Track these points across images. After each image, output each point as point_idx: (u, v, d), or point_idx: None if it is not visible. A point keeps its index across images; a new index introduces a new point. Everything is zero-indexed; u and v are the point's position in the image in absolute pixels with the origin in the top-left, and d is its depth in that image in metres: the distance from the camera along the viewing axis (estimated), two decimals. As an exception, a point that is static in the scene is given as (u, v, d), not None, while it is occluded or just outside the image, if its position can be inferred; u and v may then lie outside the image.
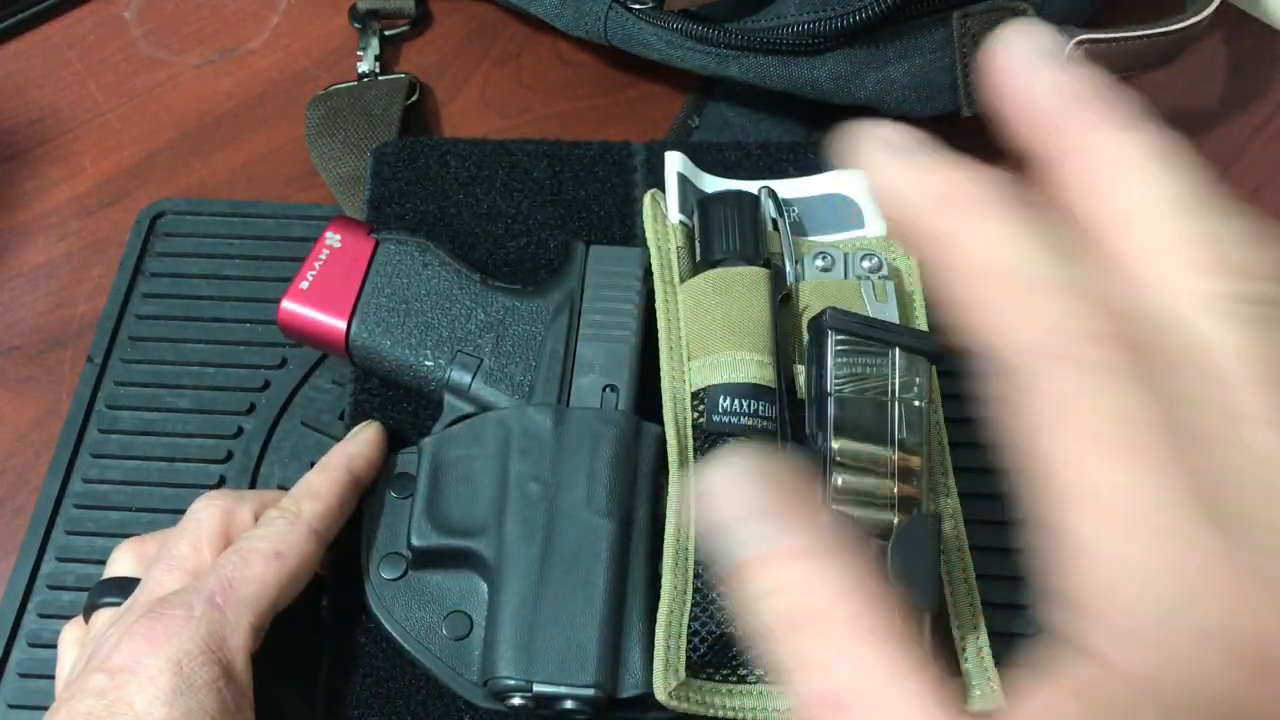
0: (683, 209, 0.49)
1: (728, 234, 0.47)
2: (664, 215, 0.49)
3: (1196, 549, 0.19)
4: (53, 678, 0.45)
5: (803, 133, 0.60)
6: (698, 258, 0.48)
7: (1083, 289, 0.20)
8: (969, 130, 0.57)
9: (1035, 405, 0.20)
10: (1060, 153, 0.21)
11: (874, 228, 0.50)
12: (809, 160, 0.54)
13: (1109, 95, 0.21)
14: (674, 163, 0.50)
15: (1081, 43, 0.52)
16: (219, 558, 0.40)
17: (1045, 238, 0.20)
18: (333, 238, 0.48)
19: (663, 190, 0.50)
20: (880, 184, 0.22)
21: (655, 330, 0.46)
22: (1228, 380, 0.19)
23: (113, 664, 0.36)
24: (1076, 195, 0.21)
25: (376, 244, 0.48)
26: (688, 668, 0.40)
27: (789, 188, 0.51)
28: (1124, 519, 0.19)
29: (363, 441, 0.45)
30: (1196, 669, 0.19)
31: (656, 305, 0.47)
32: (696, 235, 0.49)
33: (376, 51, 0.63)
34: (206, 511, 0.42)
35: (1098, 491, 0.19)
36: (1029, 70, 0.22)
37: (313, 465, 0.46)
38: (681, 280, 0.48)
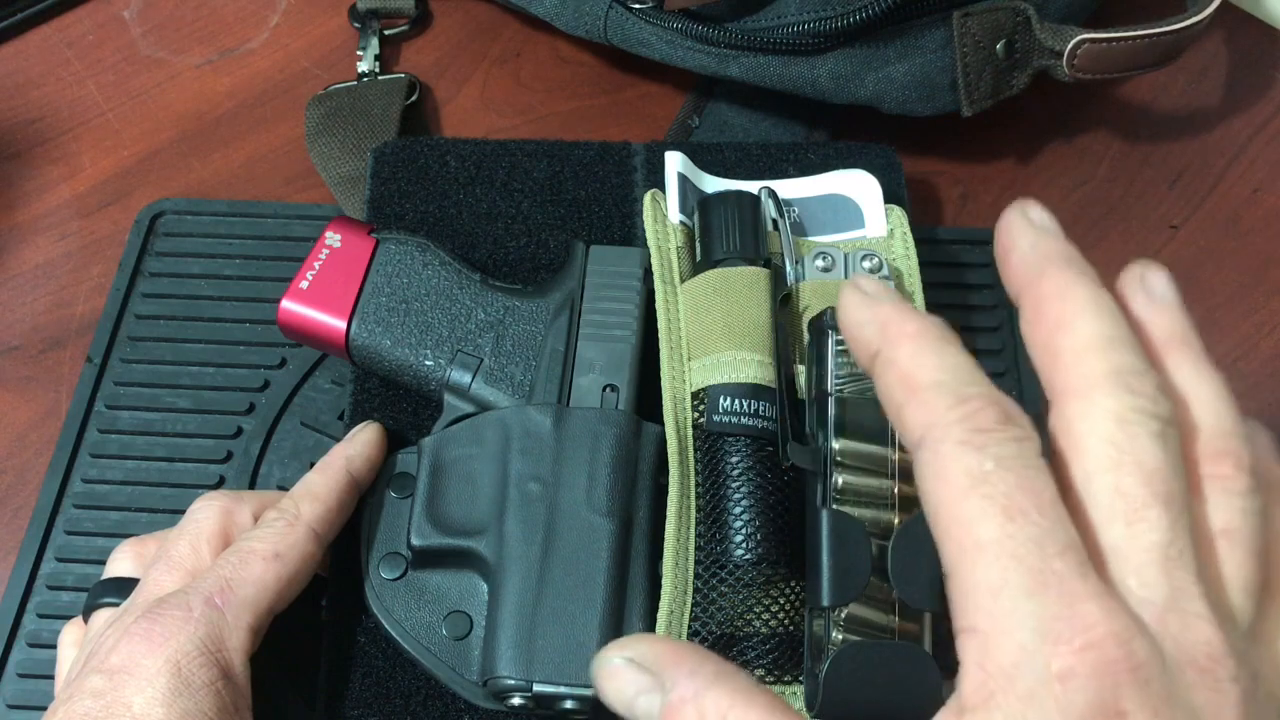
0: (683, 209, 0.49)
1: (728, 234, 0.47)
2: (664, 215, 0.49)
3: (1053, 579, 0.25)
4: (52, 678, 0.45)
5: (803, 133, 0.60)
6: (698, 258, 0.48)
7: (974, 394, 0.27)
8: (969, 130, 0.57)
9: (934, 477, 0.27)
10: (1025, 298, 0.29)
11: (874, 228, 0.50)
12: (809, 160, 0.54)
13: (1066, 258, 0.29)
14: (674, 163, 0.50)
15: (1081, 43, 0.52)
16: (218, 559, 0.40)
17: (950, 360, 0.28)
18: (332, 237, 0.48)
19: (663, 190, 0.50)
20: (847, 320, 0.30)
21: (655, 330, 0.46)
22: (1097, 477, 0.26)
23: (110, 665, 0.36)
24: (1029, 329, 0.29)
25: (376, 244, 0.48)
26: None
27: (789, 188, 0.51)
28: (997, 560, 0.25)
29: (362, 443, 0.45)
30: (1049, 676, 0.24)
31: (657, 305, 0.47)
32: (697, 235, 0.49)
33: (376, 51, 0.62)
34: (205, 512, 0.42)
35: (975, 540, 0.26)
36: (1016, 234, 0.30)
37: (313, 465, 0.46)
38: (682, 280, 0.48)
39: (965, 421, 0.27)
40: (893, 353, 0.29)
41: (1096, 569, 0.25)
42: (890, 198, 0.51)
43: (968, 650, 0.25)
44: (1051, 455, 0.28)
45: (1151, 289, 0.31)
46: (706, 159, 0.53)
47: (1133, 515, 0.26)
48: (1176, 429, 0.27)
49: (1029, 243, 0.30)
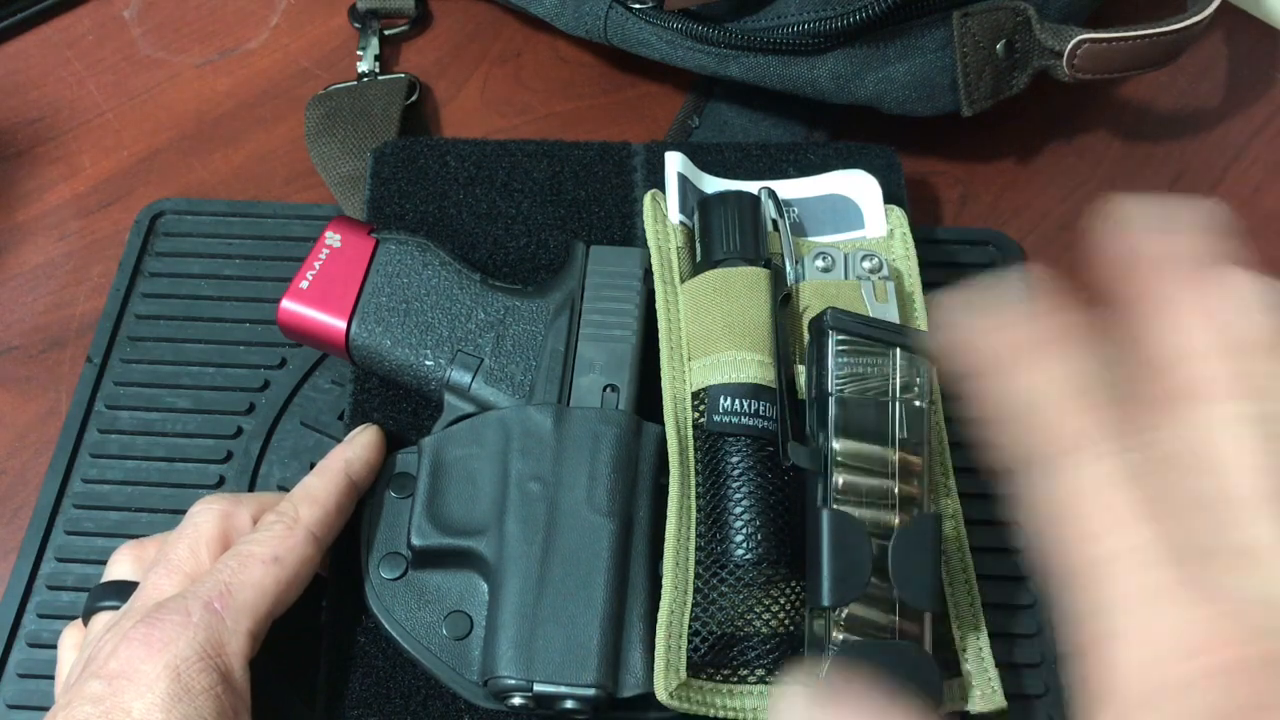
0: (683, 209, 0.49)
1: (728, 234, 0.47)
2: (664, 215, 0.49)
3: (1183, 621, 0.24)
4: (52, 678, 0.45)
5: (803, 133, 0.60)
6: (698, 258, 0.48)
7: (1110, 407, 0.26)
8: (969, 130, 0.57)
9: (1056, 497, 0.26)
10: (1144, 298, 0.28)
11: (873, 229, 0.50)
12: (809, 161, 0.54)
13: (1199, 251, 0.28)
14: (674, 163, 0.50)
15: (1081, 43, 0.52)
16: (217, 562, 0.40)
17: (1085, 368, 0.27)
18: (333, 237, 0.48)
19: (662, 190, 0.50)
20: (952, 341, 0.29)
21: (656, 330, 0.47)
22: (1230, 479, 0.25)
23: (109, 670, 0.36)
24: (1151, 334, 0.27)
25: (377, 244, 0.48)
26: (688, 668, 0.40)
27: (789, 188, 0.51)
28: (1124, 594, 0.25)
29: (361, 445, 0.45)
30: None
31: (657, 305, 0.47)
32: (697, 235, 0.49)
33: (376, 51, 0.62)
34: (205, 515, 0.42)
35: (1108, 550, 0.25)
36: (1141, 232, 0.28)
37: (313, 466, 0.46)
38: (682, 280, 0.48)
39: (1108, 432, 0.26)
40: (1026, 366, 0.28)
41: (1234, 570, 0.25)
42: (890, 198, 0.51)
43: (1098, 662, 0.25)
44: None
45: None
46: (706, 159, 0.53)
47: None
48: None
49: (1159, 243, 0.29)
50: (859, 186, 0.51)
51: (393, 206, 0.53)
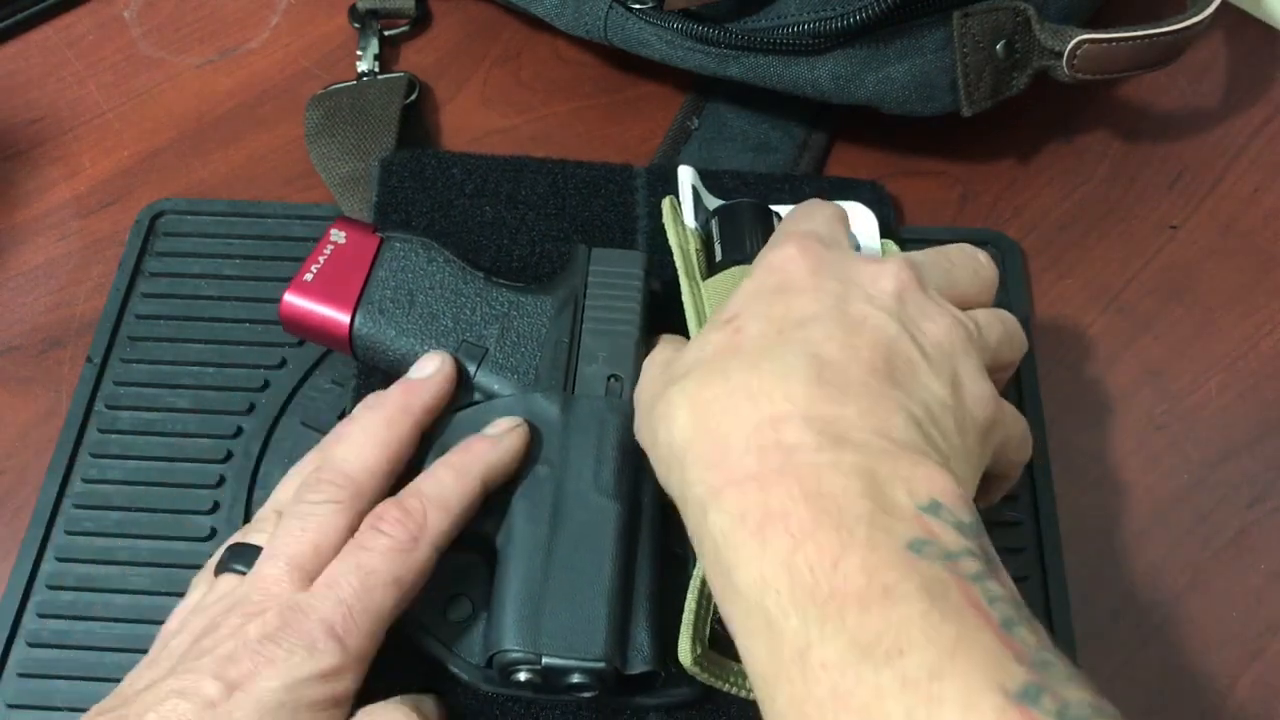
0: (695, 218, 0.50)
1: (748, 237, 0.48)
2: (682, 219, 0.50)
3: None
4: (53, 677, 0.45)
5: (803, 133, 0.60)
6: (718, 259, 0.48)
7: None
8: (969, 130, 0.57)
9: None
10: None
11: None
12: (804, 192, 0.55)
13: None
14: (687, 175, 0.51)
15: (1081, 43, 0.52)
16: (337, 567, 0.39)
17: None
18: (337, 234, 0.48)
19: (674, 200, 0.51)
20: None
21: (659, 329, 0.47)
22: None
23: (229, 676, 0.36)
24: None
25: (381, 241, 0.48)
26: (710, 640, 0.40)
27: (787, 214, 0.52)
28: None
29: (507, 451, 0.42)
30: None
31: (684, 302, 0.47)
32: (716, 238, 0.49)
33: (376, 51, 0.62)
34: (328, 512, 0.40)
35: None
36: None
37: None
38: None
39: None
40: None
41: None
42: (880, 230, 0.52)
43: None
44: None
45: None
46: (704, 185, 0.54)
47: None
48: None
49: None
50: (855, 218, 0.52)
51: (398, 214, 0.53)
